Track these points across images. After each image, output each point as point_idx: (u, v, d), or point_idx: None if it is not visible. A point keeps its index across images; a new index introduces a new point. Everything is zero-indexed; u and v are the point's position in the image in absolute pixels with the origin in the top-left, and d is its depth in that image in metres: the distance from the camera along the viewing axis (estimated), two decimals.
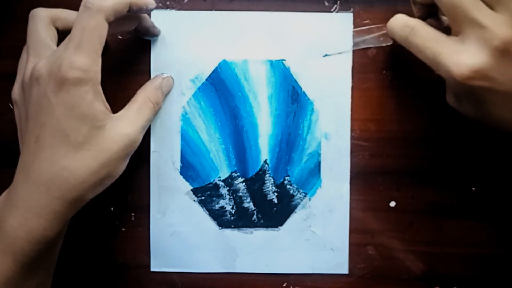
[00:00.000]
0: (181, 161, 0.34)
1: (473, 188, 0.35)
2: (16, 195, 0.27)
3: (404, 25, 0.29)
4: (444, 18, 0.30)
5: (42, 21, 0.29)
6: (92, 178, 0.27)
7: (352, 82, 0.34)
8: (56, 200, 0.27)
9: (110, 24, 0.28)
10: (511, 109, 0.27)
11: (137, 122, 0.30)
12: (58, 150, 0.27)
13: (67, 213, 0.27)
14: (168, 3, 0.34)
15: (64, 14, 0.30)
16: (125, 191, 0.35)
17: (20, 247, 0.26)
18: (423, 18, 0.30)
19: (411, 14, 0.30)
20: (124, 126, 0.29)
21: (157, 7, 0.34)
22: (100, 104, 0.28)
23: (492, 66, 0.25)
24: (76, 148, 0.27)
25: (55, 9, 0.30)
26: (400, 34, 0.29)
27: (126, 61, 0.34)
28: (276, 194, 0.35)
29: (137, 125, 0.30)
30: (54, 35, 0.30)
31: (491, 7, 0.26)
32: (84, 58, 0.26)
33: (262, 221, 0.35)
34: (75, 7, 0.28)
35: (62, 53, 0.27)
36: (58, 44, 0.29)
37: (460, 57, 0.26)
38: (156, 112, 0.32)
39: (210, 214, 0.35)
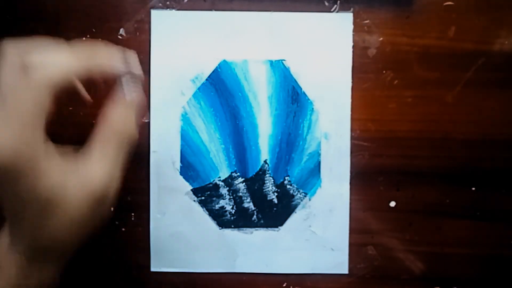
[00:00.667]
0: (181, 161, 0.34)
1: (473, 188, 0.35)
2: None
3: None
4: None
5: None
6: (77, 241, 0.25)
7: (352, 82, 0.34)
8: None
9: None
10: None
11: (102, 165, 0.24)
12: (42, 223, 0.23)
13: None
14: (168, 3, 0.34)
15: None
16: (125, 191, 0.35)
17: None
18: None
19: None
20: (87, 178, 0.23)
21: (157, 7, 0.34)
22: (46, 181, 0.21)
23: None
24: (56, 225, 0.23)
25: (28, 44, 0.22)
26: None
27: None
28: (276, 194, 0.35)
29: (104, 169, 0.24)
30: None
31: None
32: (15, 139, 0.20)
33: (262, 221, 0.35)
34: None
35: None
36: None
37: None
38: (130, 143, 0.25)
39: (210, 214, 0.35)
